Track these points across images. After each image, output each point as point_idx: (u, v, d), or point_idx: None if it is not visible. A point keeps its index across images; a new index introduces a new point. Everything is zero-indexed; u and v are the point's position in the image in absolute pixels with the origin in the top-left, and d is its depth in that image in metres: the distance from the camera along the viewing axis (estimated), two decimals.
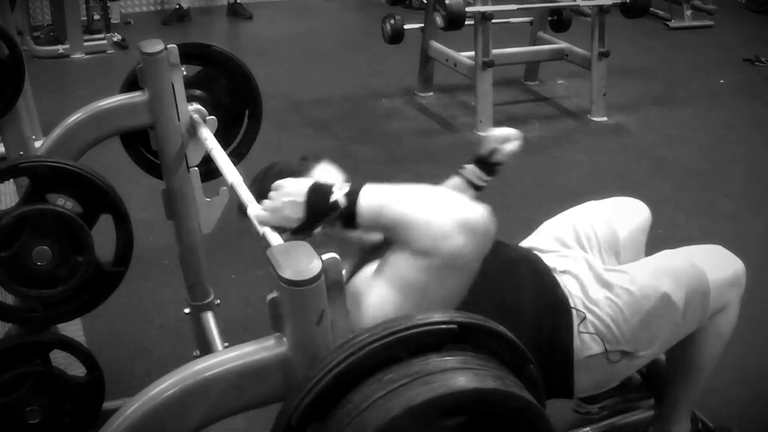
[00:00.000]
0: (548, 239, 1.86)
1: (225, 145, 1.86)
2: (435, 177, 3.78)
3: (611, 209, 1.94)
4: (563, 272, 1.69)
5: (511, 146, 1.88)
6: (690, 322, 1.70)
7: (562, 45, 4.62)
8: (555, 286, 1.64)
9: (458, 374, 0.98)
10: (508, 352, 1.10)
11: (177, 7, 6.07)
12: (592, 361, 1.61)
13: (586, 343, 1.60)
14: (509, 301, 1.58)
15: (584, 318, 1.60)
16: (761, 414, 2.26)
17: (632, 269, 1.73)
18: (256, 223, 1.34)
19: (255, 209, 1.35)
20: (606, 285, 1.66)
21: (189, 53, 1.80)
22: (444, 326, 1.05)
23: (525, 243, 1.88)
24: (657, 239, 3.17)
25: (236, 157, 1.89)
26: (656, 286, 1.64)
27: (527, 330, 1.53)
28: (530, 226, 1.94)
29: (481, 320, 1.08)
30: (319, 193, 1.31)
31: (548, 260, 1.73)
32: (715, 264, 1.73)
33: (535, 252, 1.77)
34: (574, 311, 1.60)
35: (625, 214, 1.94)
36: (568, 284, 1.66)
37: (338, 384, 1.00)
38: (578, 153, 4.05)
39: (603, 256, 1.84)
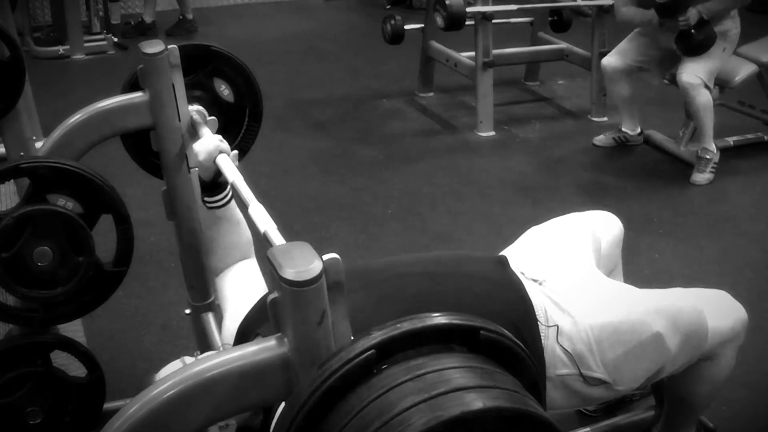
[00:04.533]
0: (531, 249, 1.79)
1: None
2: (434, 177, 3.82)
3: (593, 221, 1.92)
4: (537, 282, 1.63)
5: (224, 159, 1.63)
6: (676, 366, 1.66)
7: (562, 45, 4.62)
8: (522, 298, 1.56)
9: (474, 392, 0.98)
10: (510, 355, 1.10)
11: (140, 20, 5.94)
12: (565, 380, 1.55)
13: (559, 359, 1.53)
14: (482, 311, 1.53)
15: (558, 328, 1.54)
16: (762, 415, 2.26)
17: (635, 295, 1.68)
18: (257, 222, 1.34)
19: (257, 210, 1.36)
20: (596, 306, 1.60)
21: (188, 54, 1.80)
22: (463, 328, 1.06)
23: (511, 249, 1.82)
24: (657, 237, 3.20)
25: (239, 154, 1.90)
26: (652, 323, 1.58)
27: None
28: (529, 225, 1.93)
29: (485, 323, 1.09)
30: None
31: (530, 269, 1.66)
32: (717, 313, 1.68)
33: (511, 264, 1.68)
34: (542, 325, 1.53)
35: (605, 228, 1.93)
36: (541, 297, 1.58)
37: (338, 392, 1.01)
38: (578, 153, 4.05)
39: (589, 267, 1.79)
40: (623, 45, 3.89)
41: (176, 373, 1.08)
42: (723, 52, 3.63)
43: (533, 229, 1.87)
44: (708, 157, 3.67)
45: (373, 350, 1.01)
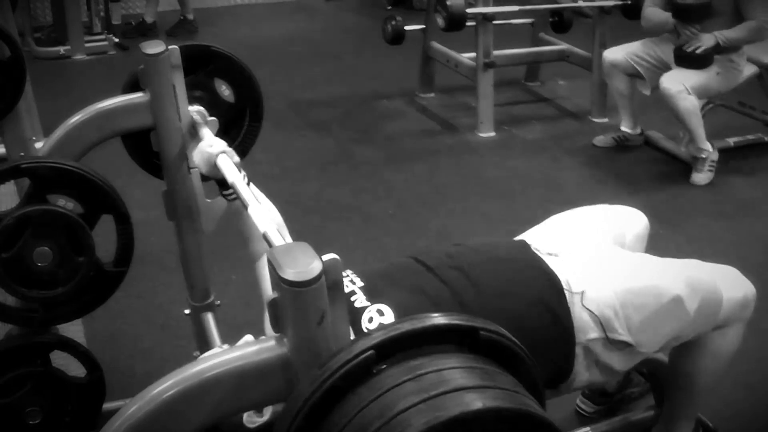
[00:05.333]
0: (549, 230, 1.85)
1: (227, 143, 1.87)
2: (435, 178, 3.82)
3: (619, 214, 1.97)
4: (553, 255, 1.69)
5: (225, 160, 1.63)
6: (693, 331, 1.72)
7: (563, 46, 4.62)
8: (545, 269, 1.63)
9: (474, 393, 0.98)
10: (510, 355, 1.10)
11: (141, 20, 5.94)
12: (592, 346, 1.60)
13: (586, 323, 1.58)
14: (508, 297, 1.58)
15: (583, 293, 1.59)
16: (762, 415, 2.26)
17: (654, 263, 1.75)
18: (258, 223, 1.34)
19: (256, 210, 1.35)
20: (617, 272, 1.67)
21: (189, 54, 1.80)
22: (462, 328, 1.06)
23: (532, 231, 1.88)
24: (657, 237, 3.19)
25: (239, 155, 1.90)
26: (672, 287, 1.65)
27: (528, 313, 1.55)
28: (530, 226, 1.93)
29: (484, 323, 1.09)
30: None
31: (544, 245, 1.73)
32: (730, 285, 1.75)
33: (527, 239, 1.77)
34: (567, 292, 1.59)
35: (630, 222, 1.97)
36: (560, 268, 1.65)
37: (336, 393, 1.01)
38: (579, 154, 4.05)
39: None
40: (631, 43, 3.86)
41: (175, 373, 1.09)
42: (716, 75, 3.58)
43: (557, 215, 1.93)
44: (704, 156, 3.66)
45: (372, 350, 1.01)
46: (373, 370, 1.02)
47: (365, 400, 0.99)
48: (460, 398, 0.97)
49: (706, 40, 3.48)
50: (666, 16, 3.66)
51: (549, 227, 1.87)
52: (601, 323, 1.59)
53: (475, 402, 0.96)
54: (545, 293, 1.59)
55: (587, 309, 1.59)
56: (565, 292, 1.60)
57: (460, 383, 0.99)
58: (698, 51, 3.49)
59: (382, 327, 1.05)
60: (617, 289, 1.61)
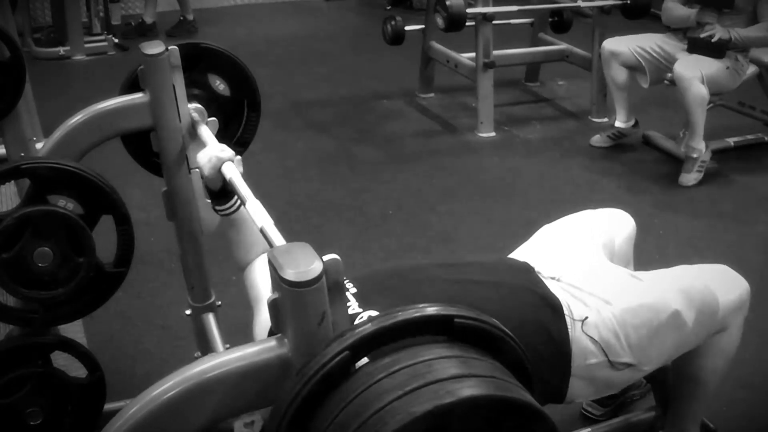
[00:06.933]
0: (545, 248, 1.83)
1: (228, 137, 1.87)
2: (435, 178, 3.82)
3: (606, 219, 1.96)
4: (555, 279, 1.67)
5: (229, 167, 1.60)
6: (694, 341, 1.71)
7: (562, 46, 4.62)
8: (546, 295, 1.61)
9: (450, 383, 0.98)
10: (490, 339, 1.10)
11: (140, 21, 5.93)
12: (593, 369, 1.59)
13: (587, 349, 1.57)
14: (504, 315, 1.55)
15: (585, 320, 1.58)
16: (762, 415, 2.26)
17: (646, 279, 1.73)
18: (256, 222, 1.34)
19: (254, 206, 1.35)
20: (614, 293, 1.64)
21: (180, 53, 1.79)
22: (437, 319, 1.06)
23: (524, 248, 1.86)
24: (657, 237, 3.20)
25: (241, 146, 1.92)
26: (668, 302, 1.63)
27: (523, 332, 1.51)
28: (530, 226, 1.94)
29: (459, 309, 1.09)
30: None
31: (546, 268, 1.70)
32: (723, 285, 1.73)
33: (529, 261, 1.74)
34: (568, 318, 1.58)
35: (617, 225, 1.96)
36: (562, 293, 1.63)
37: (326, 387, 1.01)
38: (578, 154, 4.05)
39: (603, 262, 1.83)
40: (635, 35, 3.86)
41: (176, 373, 1.09)
42: (726, 70, 3.58)
43: (546, 227, 1.91)
44: (695, 156, 3.64)
45: (347, 351, 1.01)
46: (350, 370, 1.02)
47: (344, 401, 0.99)
48: (434, 391, 0.96)
49: (721, 32, 3.49)
50: (688, 12, 3.66)
51: (542, 244, 1.84)
52: (603, 349, 1.58)
53: (449, 395, 0.96)
54: (543, 316, 1.57)
55: (588, 335, 1.57)
56: (566, 317, 1.58)
57: (434, 376, 0.98)
58: (713, 40, 3.50)
59: (355, 326, 1.05)
60: (615, 311, 1.60)
